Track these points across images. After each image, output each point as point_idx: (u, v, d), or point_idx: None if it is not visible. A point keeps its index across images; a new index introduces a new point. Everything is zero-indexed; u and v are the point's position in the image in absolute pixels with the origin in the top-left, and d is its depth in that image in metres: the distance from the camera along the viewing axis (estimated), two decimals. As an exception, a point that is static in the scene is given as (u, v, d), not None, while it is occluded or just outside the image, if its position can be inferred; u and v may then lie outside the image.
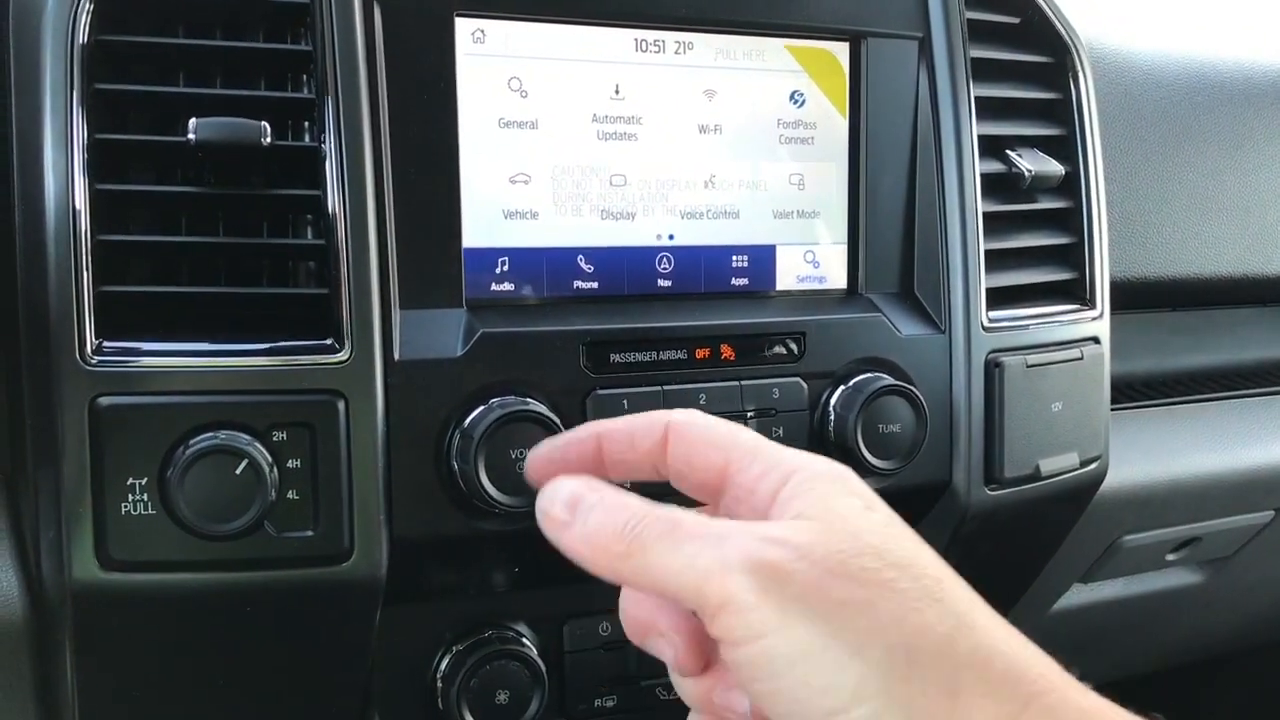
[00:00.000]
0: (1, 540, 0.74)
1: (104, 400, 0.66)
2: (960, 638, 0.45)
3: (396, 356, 0.72)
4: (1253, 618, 1.38)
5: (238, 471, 0.66)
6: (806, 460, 0.51)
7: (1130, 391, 1.19)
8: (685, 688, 0.55)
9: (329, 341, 0.70)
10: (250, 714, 0.77)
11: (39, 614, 0.72)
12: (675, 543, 0.47)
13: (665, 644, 0.53)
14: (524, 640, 0.81)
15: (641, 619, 0.54)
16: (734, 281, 0.85)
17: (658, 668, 0.85)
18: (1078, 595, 1.20)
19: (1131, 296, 1.07)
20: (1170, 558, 1.20)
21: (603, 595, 0.85)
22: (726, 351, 0.81)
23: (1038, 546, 1.01)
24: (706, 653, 0.53)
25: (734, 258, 0.85)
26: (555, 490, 0.52)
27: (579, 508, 0.51)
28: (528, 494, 0.73)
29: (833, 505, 0.48)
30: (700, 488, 0.54)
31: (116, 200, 0.69)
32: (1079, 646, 1.29)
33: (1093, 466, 0.96)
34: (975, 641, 0.45)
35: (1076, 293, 0.97)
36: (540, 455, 0.57)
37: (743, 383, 0.81)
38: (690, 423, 0.53)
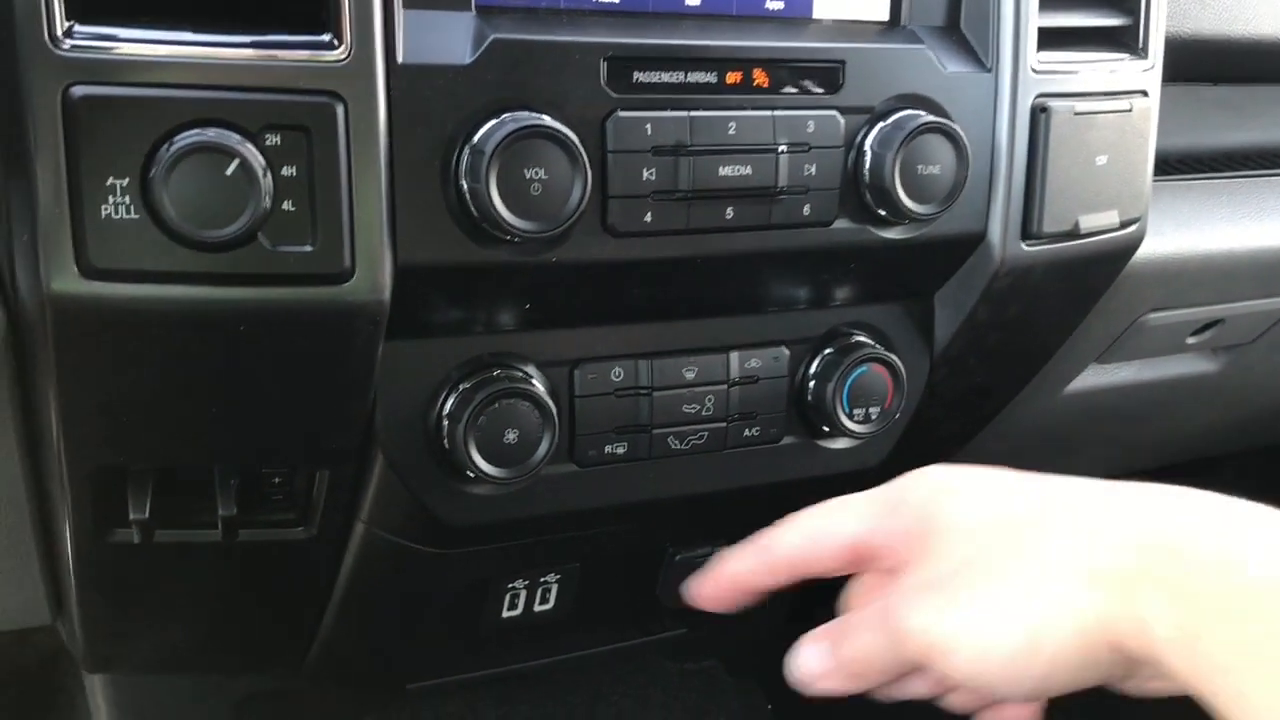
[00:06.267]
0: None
1: (78, 90, 0.60)
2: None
3: (400, 59, 0.65)
4: (1260, 410, 1.36)
5: (228, 173, 0.61)
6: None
7: (1165, 167, 1.13)
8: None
9: (326, 38, 0.64)
10: (246, 443, 0.74)
11: (16, 330, 0.67)
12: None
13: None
14: (533, 381, 0.77)
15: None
16: (768, 4, 0.77)
17: (672, 416, 0.83)
18: (1091, 377, 1.16)
19: (1179, 57, 0.99)
20: (1191, 340, 1.17)
21: (615, 340, 0.82)
22: (760, 77, 0.74)
23: (1066, 312, 0.97)
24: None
25: (769, -23, 0.77)
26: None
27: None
28: (543, 219, 0.68)
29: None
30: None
31: None
32: (1083, 435, 1.26)
33: (1132, 229, 0.91)
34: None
35: (1128, 42, 0.90)
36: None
37: (776, 113, 0.74)
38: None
